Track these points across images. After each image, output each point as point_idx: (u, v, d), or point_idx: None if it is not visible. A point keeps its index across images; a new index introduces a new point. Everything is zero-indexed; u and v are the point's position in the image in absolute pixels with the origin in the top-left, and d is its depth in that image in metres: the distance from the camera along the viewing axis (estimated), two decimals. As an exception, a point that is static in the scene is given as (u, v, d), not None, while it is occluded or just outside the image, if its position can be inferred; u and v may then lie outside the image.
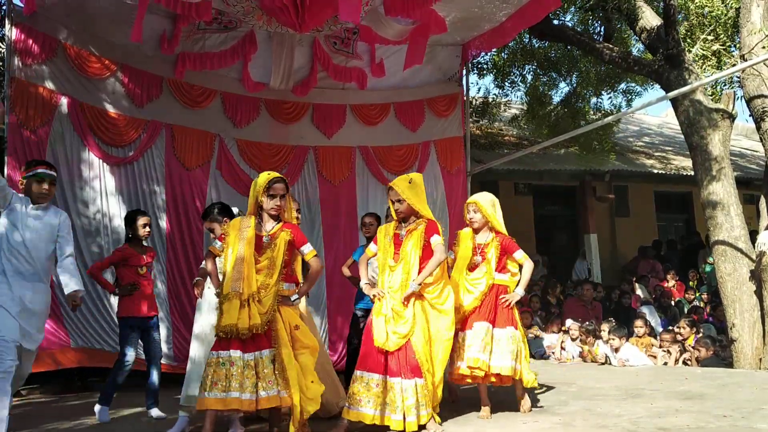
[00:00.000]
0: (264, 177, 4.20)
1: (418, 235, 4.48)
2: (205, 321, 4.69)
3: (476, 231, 5.00)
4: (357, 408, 4.29)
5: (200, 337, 4.71)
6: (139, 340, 5.33)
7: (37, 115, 6.43)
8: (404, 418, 4.22)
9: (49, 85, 6.56)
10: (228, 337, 3.99)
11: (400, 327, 4.36)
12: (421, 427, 4.25)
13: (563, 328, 8.33)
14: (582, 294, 9.50)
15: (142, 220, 5.39)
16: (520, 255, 4.95)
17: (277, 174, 4.24)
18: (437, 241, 4.47)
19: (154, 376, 5.24)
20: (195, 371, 4.55)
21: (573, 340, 7.87)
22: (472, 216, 4.97)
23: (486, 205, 4.96)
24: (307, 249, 4.24)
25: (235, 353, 3.96)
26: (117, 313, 5.41)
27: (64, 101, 6.64)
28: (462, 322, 4.85)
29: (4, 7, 7.55)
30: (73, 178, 6.66)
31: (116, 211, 6.83)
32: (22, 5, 6.28)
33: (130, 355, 5.16)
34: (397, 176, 8.26)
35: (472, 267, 4.95)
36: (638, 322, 7.83)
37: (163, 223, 7.11)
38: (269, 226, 4.21)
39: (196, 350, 4.70)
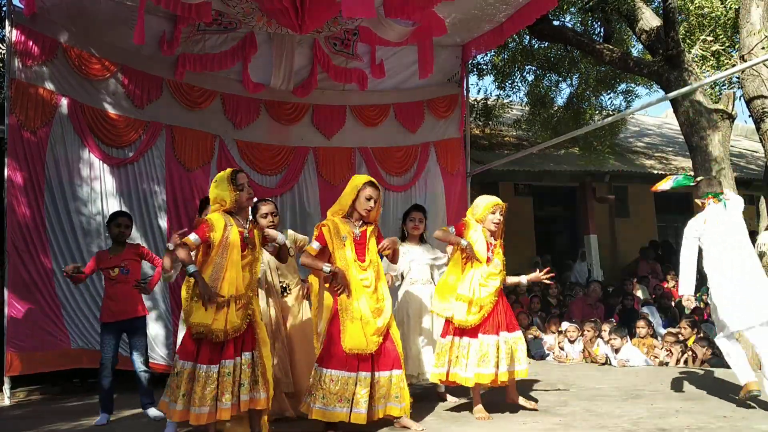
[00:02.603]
0: (226, 172, 4.18)
1: (374, 239, 4.55)
2: None
3: (492, 233, 4.98)
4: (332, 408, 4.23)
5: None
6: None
7: (37, 116, 6.43)
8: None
9: (49, 86, 6.56)
10: (201, 338, 3.94)
11: (378, 323, 4.36)
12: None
13: (560, 329, 8.33)
14: (589, 294, 9.53)
15: (115, 221, 5.38)
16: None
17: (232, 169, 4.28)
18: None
19: (143, 382, 5.22)
20: None
21: (571, 342, 7.87)
22: (499, 218, 4.94)
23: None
24: (282, 238, 4.50)
25: (214, 368, 3.92)
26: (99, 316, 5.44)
27: (64, 102, 6.64)
28: (472, 329, 4.77)
29: (4, 9, 7.56)
30: (73, 179, 6.65)
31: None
32: (23, 6, 6.28)
33: (106, 357, 5.18)
34: (396, 177, 8.41)
35: (488, 259, 4.91)
36: (641, 323, 7.82)
37: (164, 223, 7.10)
38: (245, 222, 4.22)
39: None
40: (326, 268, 4.38)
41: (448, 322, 4.86)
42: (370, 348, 4.30)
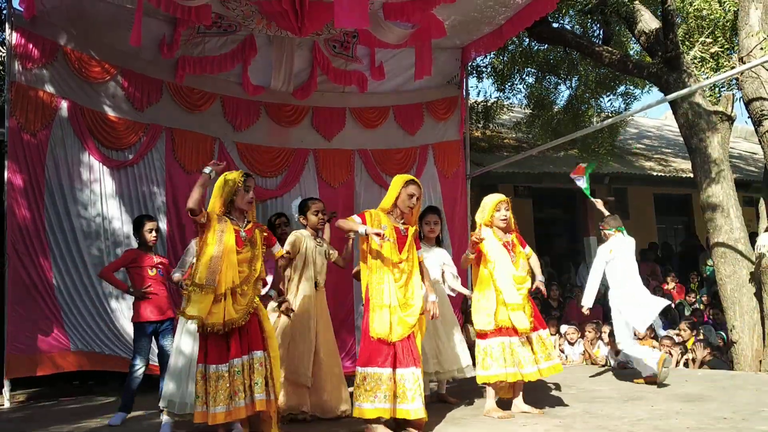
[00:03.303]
0: (238, 173, 4.25)
1: (413, 236, 4.60)
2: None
3: (503, 230, 5.03)
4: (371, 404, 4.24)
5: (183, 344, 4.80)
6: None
7: (37, 119, 6.44)
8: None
9: (49, 88, 6.57)
10: (210, 332, 3.96)
11: (408, 319, 4.38)
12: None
13: (559, 332, 8.33)
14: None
15: (148, 225, 5.40)
16: (528, 249, 5.17)
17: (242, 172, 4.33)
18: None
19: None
20: (175, 374, 4.71)
21: (571, 344, 7.87)
22: (505, 214, 5.00)
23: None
24: (277, 249, 4.51)
25: (223, 367, 3.95)
26: (132, 317, 5.40)
27: (64, 105, 6.65)
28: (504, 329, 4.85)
29: (4, 12, 7.57)
30: (73, 181, 6.66)
31: (116, 214, 6.85)
32: (22, 9, 6.29)
33: (139, 363, 5.18)
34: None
35: (514, 264, 4.97)
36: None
37: (164, 225, 7.10)
38: (242, 223, 4.25)
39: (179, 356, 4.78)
40: (361, 228, 4.39)
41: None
42: (392, 338, 4.31)
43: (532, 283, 5.03)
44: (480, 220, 5.08)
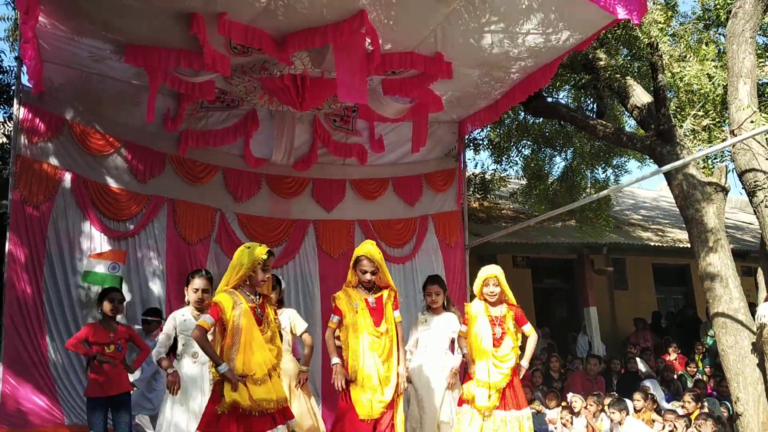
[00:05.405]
0: (262, 250, 4.17)
1: (390, 303, 4.68)
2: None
3: (493, 304, 5.04)
4: None
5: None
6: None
7: (41, 191, 6.52)
8: None
9: (54, 161, 6.68)
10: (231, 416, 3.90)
11: (386, 393, 4.47)
12: None
13: (563, 404, 8.18)
14: (589, 368, 9.39)
15: (108, 296, 5.38)
16: (528, 327, 5.13)
17: (267, 248, 4.28)
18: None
19: None
20: None
21: (577, 414, 7.70)
22: (493, 290, 5.04)
23: (502, 277, 5.09)
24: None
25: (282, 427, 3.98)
26: (84, 391, 5.36)
27: (67, 177, 6.74)
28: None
29: (12, 87, 7.76)
30: (74, 252, 6.68)
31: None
32: (31, 86, 6.46)
33: None
34: (396, 249, 8.44)
35: (495, 342, 4.97)
36: (637, 395, 7.68)
37: (162, 295, 7.09)
38: (255, 297, 4.21)
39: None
40: (334, 360, 4.57)
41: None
42: (374, 414, 4.37)
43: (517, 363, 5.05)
44: (475, 290, 5.14)
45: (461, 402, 5.04)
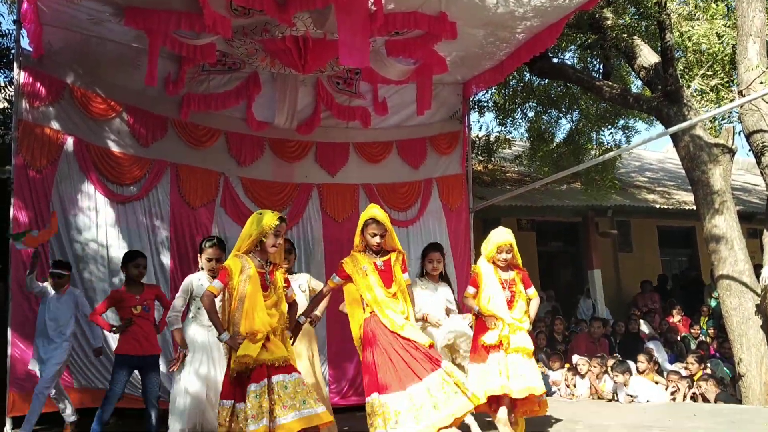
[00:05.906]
0: (272, 217, 4.26)
1: (399, 265, 4.66)
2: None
3: (504, 269, 5.06)
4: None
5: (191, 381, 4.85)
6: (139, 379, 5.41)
7: (43, 156, 6.49)
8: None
9: (55, 125, 6.63)
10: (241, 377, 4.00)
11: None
12: None
13: (567, 365, 8.26)
14: (593, 331, 9.45)
15: (134, 261, 5.51)
16: (532, 291, 5.16)
17: (279, 214, 4.36)
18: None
19: (152, 419, 5.23)
20: (182, 414, 4.76)
21: (582, 376, 7.78)
22: (506, 257, 5.04)
23: (514, 243, 5.08)
24: (291, 291, 4.49)
25: (278, 377, 4.01)
26: (114, 349, 5.53)
27: (70, 141, 6.70)
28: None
29: (12, 52, 7.69)
30: (78, 216, 6.69)
31: (120, 247, 6.82)
32: (31, 49, 6.40)
33: (116, 390, 5.23)
34: (400, 213, 8.41)
35: (508, 305, 5.00)
36: (641, 357, 7.74)
37: (167, 260, 7.12)
38: (266, 265, 4.29)
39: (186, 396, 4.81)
40: (301, 319, 4.65)
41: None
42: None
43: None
44: (484, 253, 5.10)
45: (481, 355, 4.97)
